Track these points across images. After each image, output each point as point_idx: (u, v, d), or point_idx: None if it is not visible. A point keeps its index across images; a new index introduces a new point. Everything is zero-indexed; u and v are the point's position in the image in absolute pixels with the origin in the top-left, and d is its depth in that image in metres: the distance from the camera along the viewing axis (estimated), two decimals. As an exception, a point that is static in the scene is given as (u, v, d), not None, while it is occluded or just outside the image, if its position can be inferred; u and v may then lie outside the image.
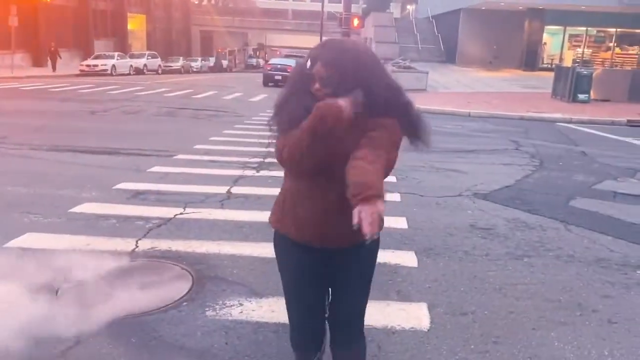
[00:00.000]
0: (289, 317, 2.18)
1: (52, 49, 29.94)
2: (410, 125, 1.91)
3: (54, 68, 29.34)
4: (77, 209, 5.13)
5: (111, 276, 3.64)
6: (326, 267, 2.06)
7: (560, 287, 3.86)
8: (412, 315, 3.34)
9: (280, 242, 2.11)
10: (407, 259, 4.23)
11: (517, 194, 6.43)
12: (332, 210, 1.90)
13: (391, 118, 1.87)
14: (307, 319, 2.15)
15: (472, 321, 3.30)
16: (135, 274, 3.71)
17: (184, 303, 3.38)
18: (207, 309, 3.32)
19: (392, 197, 6.01)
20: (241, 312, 3.29)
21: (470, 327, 3.22)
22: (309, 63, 1.84)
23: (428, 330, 3.17)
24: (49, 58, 30.11)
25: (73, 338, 2.91)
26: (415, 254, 4.34)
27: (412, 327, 3.19)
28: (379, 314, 3.31)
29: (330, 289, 2.16)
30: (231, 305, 3.36)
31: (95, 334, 2.95)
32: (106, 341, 2.90)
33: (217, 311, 3.29)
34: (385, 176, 1.80)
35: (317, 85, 1.83)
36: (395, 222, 5.07)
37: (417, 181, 6.89)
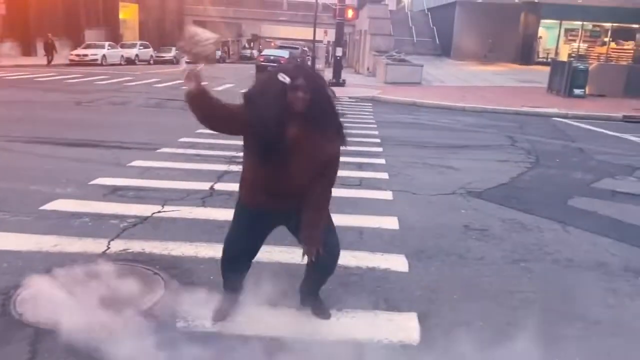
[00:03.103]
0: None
1: (50, 40, 27.00)
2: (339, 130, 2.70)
3: (48, 61, 26.46)
4: (49, 206, 4.84)
5: (74, 283, 3.33)
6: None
7: (559, 295, 3.62)
8: (401, 327, 3.09)
9: None
10: (397, 263, 3.97)
11: (513, 193, 6.19)
12: None
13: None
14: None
15: (465, 334, 3.05)
16: (102, 279, 3.41)
17: (154, 313, 3.10)
18: (178, 320, 3.04)
19: (384, 195, 5.76)
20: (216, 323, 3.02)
21: (464, 341, 2.97)
22: (288, 79, 2.50)
23: (418, 344, 2.92)
24: (44, 50, 27.21)
25: (28, 353, 2.64)
26: (406, 257, 4.08)
27: (400, 341, 2.94)
28: (365, 325, 3.07)
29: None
30: (205, 317, 3.08)
31: (50, 350, 2.68)
32: (62, 358, 2.63)
33: (190, 322, 3.02)
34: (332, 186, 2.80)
35: (300, 94, 2.51)
36: (386, 223, 4.82)
37: (409, 178, 6.63)
